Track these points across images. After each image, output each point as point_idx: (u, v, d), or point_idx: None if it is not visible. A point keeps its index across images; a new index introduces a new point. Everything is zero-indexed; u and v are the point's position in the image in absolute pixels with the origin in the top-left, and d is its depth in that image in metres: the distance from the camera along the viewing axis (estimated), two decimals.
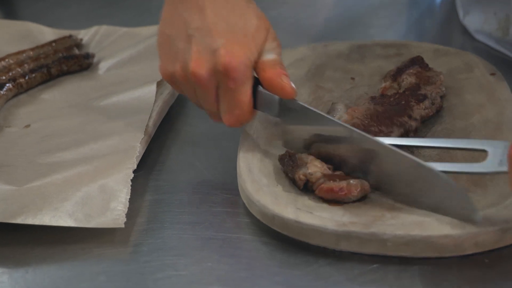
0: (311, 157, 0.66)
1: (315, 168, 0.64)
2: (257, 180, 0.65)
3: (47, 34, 0.99)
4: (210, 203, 0.68)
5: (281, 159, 0.66)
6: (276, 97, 0.67)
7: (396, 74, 0.80)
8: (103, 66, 0.92)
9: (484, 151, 0.60)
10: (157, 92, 0.81)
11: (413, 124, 0.71)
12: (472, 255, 0.58)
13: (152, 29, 0.97)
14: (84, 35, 0.99)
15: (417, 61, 0.81)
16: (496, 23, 0.99)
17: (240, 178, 0.66)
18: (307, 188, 0.64)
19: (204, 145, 0.78)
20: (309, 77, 0.85)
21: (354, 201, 0.62)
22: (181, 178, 0.72)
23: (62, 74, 0.91)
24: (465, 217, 0.58)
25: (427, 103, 0.74)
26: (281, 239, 0.61)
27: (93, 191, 0.65)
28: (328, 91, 0.82)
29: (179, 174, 0.73)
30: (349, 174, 0.65)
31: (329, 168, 0.65)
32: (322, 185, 0.62)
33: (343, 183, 0.62)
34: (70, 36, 0.94)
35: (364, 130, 0.66)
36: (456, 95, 0.78)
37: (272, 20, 1.16)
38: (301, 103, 0.67)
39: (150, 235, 0.64)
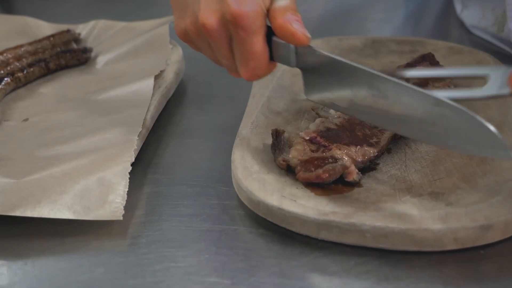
0: (298, 139, 0.66)
1: (295, 152, 0.65)
2: (249, 167, 0.66)
3: (45, 28, 0.99)
4: (208, 195, 0.68)
5: (272, 135, 0.67)
6: (292, 46, 0.63)
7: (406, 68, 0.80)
8: (101, 60, 0.93)
9: (485, 77, 0.60)
10: (154, 85, 0.82)
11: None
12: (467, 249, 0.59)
13: (150, 24, 0.98)
14: (82, 29, 0.99)
15: (428, 58, 0.81)
16: (493, 19, 0.99)
17: (233, 164, 0.67)
18: (291, 170, 0.65)
19: (202, 138, 0.79)
20: None
21: (335, 183, 0.64)
22: (179, 171, 0.73)
23: (60, 68, 0.91)
24: (496, 155, 0.56)
25: None
26: (277, 231, 0.62)
27: (92, 184, 0.65)
28: None
29: (177, 167, 0.74)
30: (372, 124, 0.66)
31: (312, 151, 0.65)
32: (300, 173, 0.63)
33: (319, 171, 0.63)
34: (68, 31, 0.95)
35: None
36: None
37: None
38: (318, 49, 0.63)
39: (148, 227, 0.64)
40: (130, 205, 0.66)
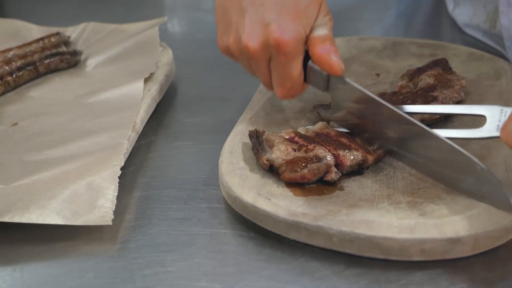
0: (278, 139, 0.67)
1: (278, 152, 0.65)
2: (234, 162, 0.67)
3: (34, 31, 0.99)
4: (198, 199, 0.68)
5: (250, 136, 0.67)
6: (325, 72, 0.67)
7: (415, 74, 0.79)
8: (91, 63, 0.92)
9: (482, 116, 0.64)
10: (144, 88, 0.82)
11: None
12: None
13: (140, 26, 0.98)
14: (72, 32, 0.99)
15: (441, 63, 0.81)
16: (484, 16, 0.99)
17: (220, 159, 0.68)
18: (273, 170, 0.65)
19: (193, 141, 0.79)
20: None
21: (316, 183, 0.64)
22: (169, 174, 0.73)
23: (50, 71, 0.91)
24: (502, 207, 0.59)
25: None
26: (267, 234, 0.61)
27: (81, 188, 0.65)
28: None
29: (167, 170, 0.73)
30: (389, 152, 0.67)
31: (294, 149, 0.66)
32: (285, 173, 0.63)
33: (304, 171, 0.63)
34: (57, 34, 0.94)
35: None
36: (475, 103, 0.77)
37: None
38: (348, 80, 0.66)
39: (138, 231, 0.64)
40: (120, 209, 0.66)
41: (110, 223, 0.62)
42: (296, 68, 0.67)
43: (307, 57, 0.68)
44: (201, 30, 1.14)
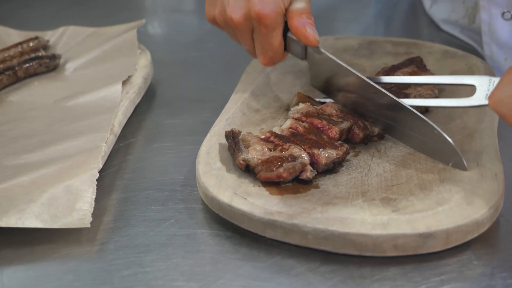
0: (254, 139, 0.67)
1: (254, 152, 0.66)
2: (211, 163, 0.67)
3: (13, 36, 0.99)
4: (176, 199, 0.69)
5: (226, 137, 0.68)
6: (302, 43, 0.74)
7: (389, 71, 0.80)
8: (70, 67, 0.93)
9: (472, 85, 0.68)
10: (122, 91, 0.82)
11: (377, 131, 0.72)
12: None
13: (119, 29, 0.98)
14: (51, 36, 0.99)
15: (415, 61, 0.82)
16: (463, 11, 1.00)
17: (197, 159, 0.68)
18: (249, 170, 0.66)
19: (171, 142, 0.79)
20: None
21: (292, 181, 0.65)
22: (147, 176, 0.73)
23: (29, 76, 0.91)
24: (458, 166, 0.65)
25: None
26: (244, 233, 0.62)
27: (59, 191, 0.66)
28: None
29: (145, 172, 0.74)
30: (363, 116, 0.72)
31: (269, 149, 0.66)
32: (261, 173, 0.64)
33: (280, 170, 0.64)
34: (36, 38, 0.94)
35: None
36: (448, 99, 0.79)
37: None
38: (323, 51, 0.73)
39: (117, 233, 0.65)
40: (98, 212, 0.67)
41: (89, 225, 0.63)
42: (276, 38, 0.74)
43: (287, 28, 0.74)
44: (180, 32, 1.15)
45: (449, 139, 0.66)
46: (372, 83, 0.70)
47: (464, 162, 0.65)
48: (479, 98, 0.67)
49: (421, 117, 0.67)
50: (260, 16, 0.71)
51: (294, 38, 0.74)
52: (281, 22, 0.73)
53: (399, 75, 0.79)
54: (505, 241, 0.62)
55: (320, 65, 0.75)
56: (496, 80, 0.66)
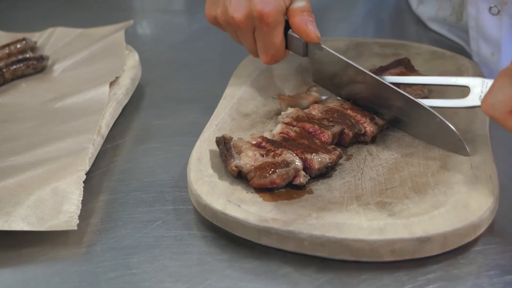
0: (246, 145, 0.67)
1: (246, 158, 0.65)
2: (203, 170, 0.67)
3: (1, 38, 0.98)
4: (163, 201, 0.69)
5: (217, 143, 0.68)
6: (303, 40, 0.76)
7: (377, 73, 0.80)
8: (58, 68, 0.92)
9: (466, 86, 0.69)
10: (110, 92, 0.82)
11: (368, 129, 0.72)
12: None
13: (107, 30, 0.98)
14: (39, 37, 0.99)
15: (403, 63, 0.82)
16: (450, 9, 1.01)
17: (188, 166, 0.68)
18: (241, 176, 0.65)
19: (159, 143, 0.79)
20: (298, 71, 0.86)
21: (285, 187, 0.65)
22: (135, 177, 0.73)
23: (16, 77, 0.91)
24: (460, 152, 0.68)
25: None
26: (231, 235, 0.62)
27: (46, 194, 0.65)
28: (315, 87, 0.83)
29: (133, 173, 0.74)
30: (366, 108, 0.74)
31: (261, 154, 0.66)
32: (254, 179, 0.64)
33: (273, 176, 0.63)
34: (23, 39, 0.94)
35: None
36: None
37: None
38: (324, 46, 0.75)
39: (104, 235, 0.64)
40: (86, 214, 0.67)
41: (75, 227, 0.63)
42: (278, 36, 0.75)
43: (288, 26, 0.76)
44: (169, 32, 1.15)
45: (451, 126, 0.67)
46: (373, 75, 0.72)
47: (467, 147, 0.67)
48: (473, 100, 0.68)
49: (423, 106, 0.69)
50: (261, 15, 0.73)
51: (295, 35, 0.76)
52: (283, 20, 0.75)
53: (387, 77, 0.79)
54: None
55: (321, 61, 0.77)
56: (489, 82, 0.67)
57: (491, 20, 0.91)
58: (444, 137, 0.69)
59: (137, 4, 1.32)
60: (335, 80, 0.77)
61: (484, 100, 0.61)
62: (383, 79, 0.73)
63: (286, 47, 0.78)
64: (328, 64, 0.76)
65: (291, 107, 0.75)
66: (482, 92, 0.68)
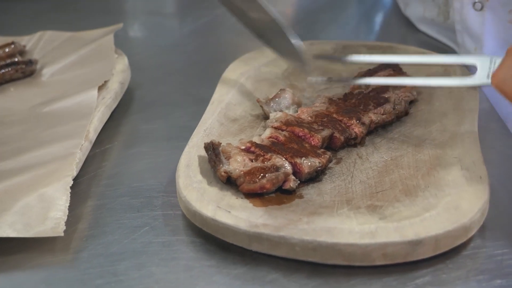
0: (235, 150, 0.67)
1: (235, 164, 0.65)
2: (191, 176, 0.66)
3: None
4: (152, 206, 0.68)
5: (205, 149, 0.67)
6: None
7: (366, 75, 0.80)
8: (46, 72, 0.92)
9: (473, 66, 0.68)
10: (98, 96, 0.81)
11: (357, 130, 0.71)
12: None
13: (96, 33, 0.98)
14: (28, 41, 0.98)
15: (391, 65, 0.81)
16: (436, 9, 1.01)
17: (177, 173, 0.67)
18: (230, 181, 0.65)
19: (148, 148, 0.79)
20: (286, 75, 0.86)
21: (275, 192, 0.64)
22: (123, 182, 0.73)
23: (5, 81, 0.90)
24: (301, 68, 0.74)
25: (388, 107, 0.75)
26: (220, 240, 0.62)
27: (33, 200, 0.65)
28: (300, 90, 0.83)
29: (121, 178, 0.73)
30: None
31: (251, 159, 0.66)
32: (243, 185, 0.63)
33: (263, 181, 0.63)
34: (12, 43, 0.94)
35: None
36: (426, 102, 0.79)
37: (217, 18, 1.17)
38: None
39: (91, 241, 0.64)
40: (73, 219, 0.66)
41: (62, 234, 0.62)
42: None
43: None
44: (160, 35, 1.14)
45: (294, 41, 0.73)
46: None
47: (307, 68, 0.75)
48: (481, 77, 0.67)
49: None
50: None
51: None
52: None
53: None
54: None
55: None
56: (497, 59, 0.67)
57: (474, 16, 0.91)
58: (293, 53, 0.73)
59: (128, 7, 1.32)
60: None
61: (495, 75, 0.62)
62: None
63: None
64: None
65: (273, 110, 0.75)
66: (490, 69, 0.67)
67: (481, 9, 0.90)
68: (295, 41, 0.74)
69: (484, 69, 0.67)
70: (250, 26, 0.79)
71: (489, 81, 0.66)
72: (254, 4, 0.75)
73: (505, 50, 0.64)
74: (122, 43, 0.97)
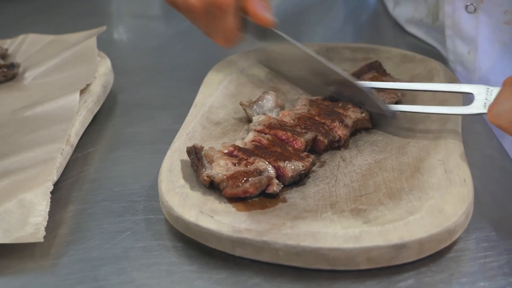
0: (217, 154, 0.66)
1: (218, 168, 0.64)
2: (174, 180, 0.65)
3: None
4: (133, 211, 0.67)
5: (188, 153, 0.66)
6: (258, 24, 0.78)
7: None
8: (29, 76, 0.91)
9: (470, 93, 0.70)
10: (80, 100, 0.81)
11: (340, 133, 0.71)
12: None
13: (79, 36, 0.97)
14: (10, 44, 0.97)
15: (375, 66, 0.81)
16: (426, 10, 1.01)
17: (159, 178, 0.66)
18: (213, 186, 0.64)
19: (131, 152, 0.78)
20: (269, 78, 0.86)
21: (258, 196, 0.63)
22: (105, 186, 0.72)
23: None
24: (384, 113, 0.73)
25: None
26: (202, 244, 0.61)
27: (12, 206, 0.64)
28: (283, 93, 0.83)
29: (103, 182, 0.73)
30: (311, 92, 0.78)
31: (234, 163, 0.65)
32: (226, 189, 0.63)
33: (246, 185, 0.62)
34: None
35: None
36: (410, 103, 0.78)
37: None
38: (277, 31, 0.78)
39: (72, 246, 0.63)
40: (53, 225, 0.65)
41: (42, 239, 0.61)
42: (231, 20, 0.78)
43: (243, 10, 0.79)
44: (144, 37, 1.14)
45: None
46: (319, 58, 0.76)
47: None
48: (478, 107, 0.68)
49: (361, 87, 0.73)
50: (215, 1, 0.76)
51: (250, 20, 0.78)
52: (236, 5, 0.77)
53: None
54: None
55: (274, 44, 0.80)
56: (494, 89, 0.68)
57: (467, 19, 0.91)
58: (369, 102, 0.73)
59: (113, 9, 1.31)
60: (284, 65, 0.82)
61: (490, 109, 0.63)
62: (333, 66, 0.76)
63: (242, 31, 0.80)
64: (279, 47, 0.79)
65: (256, 113, 0.74)
66: (486, 99, 0.68)
67: (474, 11, 0.90)
68: (385, 106, 0.73)
69: (481, 97, 0.68)
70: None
71: (485, 110, 0.67)
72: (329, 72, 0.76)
73: (500, 52, 0.64)
74: (106, 46, 0.96)
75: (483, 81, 0.91)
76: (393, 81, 0.79)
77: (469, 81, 0.92)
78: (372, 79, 0.79)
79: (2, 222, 0.63)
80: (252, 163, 0.65)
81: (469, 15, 0.90)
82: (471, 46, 0.92)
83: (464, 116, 0.72)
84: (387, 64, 0.85)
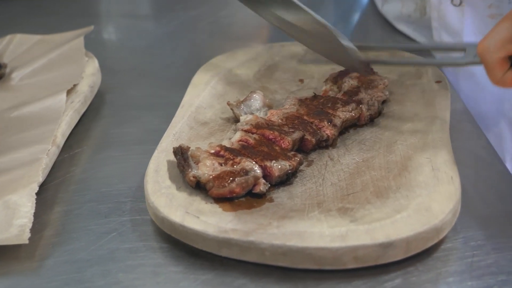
0: (204, 154, 0.66)
1: (204, 168, 0.64)
2: (160, 181, 0.65)
3: None
4: (120, 211, 0.67)
5: (174, 153, 0.66)
6: None
7: (338, 77, 0.80)
8: (16, 76, 0.91)
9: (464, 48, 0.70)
10: (67, 100, 0.80)
11: (329, 133, 0.71)
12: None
13: (66, 36, 0.96)
14: None
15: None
16: (413, 5, 1.01)
17: (145, 178, 0.66)
18: (200, 186, 0.64)
19: (118, 152, 0.78)
20: (258, 77, 0.85)
21: (245, 196, 0.63)
22: (91, 187, 0.71)
23: None
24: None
25: (354, 105, 0.74)
26: (187, 245, 0.61)
27: None
28: (272, 92, 0.82)
29: (90, 183, 0.72)
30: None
31: (220, 163, 0.65)
32: (212, 190, 0.62)
33: (232, 185, 0.62)
34: None
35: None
36: (398, 102, 0.78)
37: (192, 20, 1.16)
38: None
39: (57, 248, 0.63)
40: (39, 226, 0.65)
41: (27, 241, 0.61)
42: None
43: None
44: (134, 37, 1.13)
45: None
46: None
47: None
48: (468, 57, 0.68)
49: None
50: None
51: None
52: None
53: (348, 81, 0.79)
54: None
55: None
56: None
57: (453, 11, 0.91)
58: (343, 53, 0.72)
59: (102, 9, 1.30)
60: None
61: (481, 41, 0.63)
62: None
63: None
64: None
65: (244, 113, 0.74)
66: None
67: (460, 4, 0.90)
68: (346, 43, 0.74)
69: (472, 51, 0.68)
70: (284, 28, 0.77)
71: (477, 59, 0.66)
72: (292, 7, 0.74)
73: None
74: (95, 46, 0.96)
75: (469, 74, 0.91)
76: (381, 79, 0.79)
77: (456, 75, 0.92)
78: (359, 77, 0.79)
79: None
80: (239, 163, 0.64)
81: (455, 8, 0.90)
82: (456, 39, 0.92)
83: (452, 109, 0.71)
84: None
